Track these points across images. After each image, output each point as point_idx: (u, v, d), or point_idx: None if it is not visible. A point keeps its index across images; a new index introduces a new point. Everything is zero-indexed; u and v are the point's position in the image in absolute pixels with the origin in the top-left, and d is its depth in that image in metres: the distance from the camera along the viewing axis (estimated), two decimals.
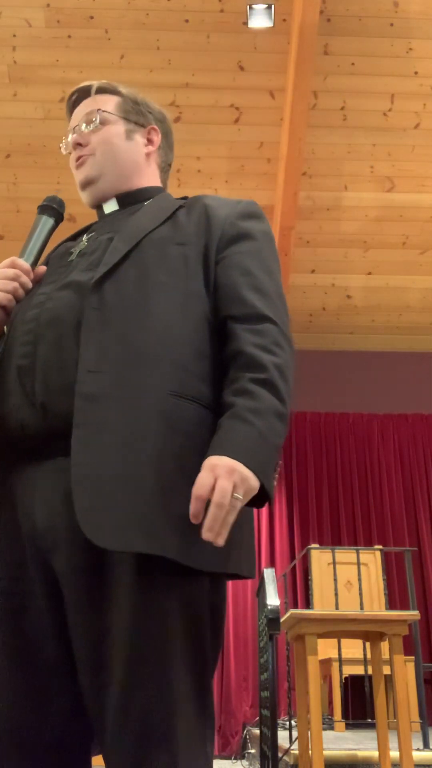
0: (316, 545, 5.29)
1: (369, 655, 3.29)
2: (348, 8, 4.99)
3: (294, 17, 4.85)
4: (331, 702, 4.73)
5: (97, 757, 1.13)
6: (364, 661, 3.89)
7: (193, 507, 1.02)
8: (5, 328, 1.25)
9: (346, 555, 4.68)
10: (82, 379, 1.10)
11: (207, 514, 1.01)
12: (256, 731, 4.38)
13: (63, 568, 1.09)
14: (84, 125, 1.40)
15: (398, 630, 2.85)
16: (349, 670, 4.71)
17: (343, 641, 4.20)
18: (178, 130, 1.53)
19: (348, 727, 4.69)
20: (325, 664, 4.74)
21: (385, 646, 3.04)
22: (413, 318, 6.81)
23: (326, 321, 6.82)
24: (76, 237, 1.39)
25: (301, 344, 6.49)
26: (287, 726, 3.82)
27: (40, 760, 1.11)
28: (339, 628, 2.90)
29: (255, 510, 1.22)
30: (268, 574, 3.30)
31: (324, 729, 4.14)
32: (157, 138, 1.45)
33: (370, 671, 3.77)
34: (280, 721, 4.43)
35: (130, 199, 1.39)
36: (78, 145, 1.40)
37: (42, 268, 1.32)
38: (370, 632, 2.99)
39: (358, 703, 5.10)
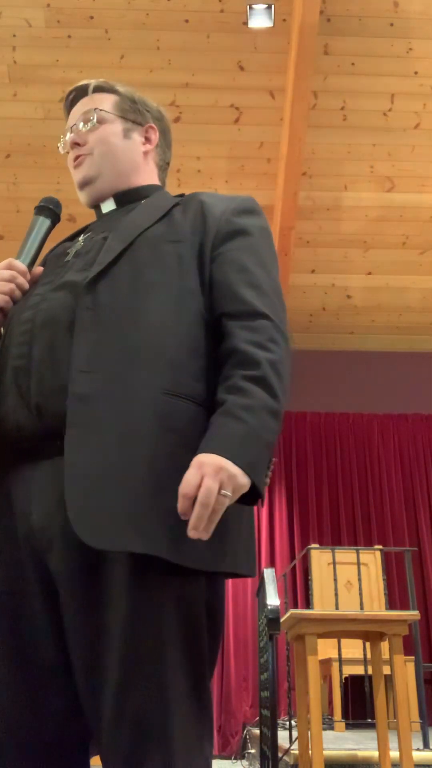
0: (316, 545, 5.28)
1: (369, 655, 3.29)
2: (348, 8, 4.99)
3: (294, 17, 4.85)
4: (331, 702, 4.73)
5: (97, 758, 1.13)
6: (364, 661, 3.89)
7: (180, 505, 1.02)
8: (2, 329, 1.25)
9: (346, 555, 4.68)
10: (74, 380, 1.10)
11: (192, 512, 1.01)
12: (256, 731, 4.38)
13: (58, 569, 1.09)
14: (81, 124, 1.40)
15: (398, 630, 2.85)
16: (349, 670, 4.71)
17: (343, 641, 4.20)
18: (177, 130, 1.53)
19: (348, 727, 4.69)
20: (325, 664, 4.74)
21: (385, 646, 3.04)
22: (413, 318, 6.81)
23: (326, 321, 6.81)
24: (73, 237, 1.39)
25: (301, 344, 6.50)
26: (287, 726, 3.82)
27: (39, 760, 1.11)
28: (339, 628, 2.90)
29: (255, 509, 1.22)
30: (268, 574, 3.30)
31: (324, 729, 4.13)
32: (154, 136, 1.44)
33: (370, 671, 3.77)
34: (280, 721, 4.43)
35: (128, 198, 1.38)
36: (75, 144, 1.39)
37: (39, 269, 1.32)
38: (370, 632, 2.99)
39: (358, 703, 5.09)
